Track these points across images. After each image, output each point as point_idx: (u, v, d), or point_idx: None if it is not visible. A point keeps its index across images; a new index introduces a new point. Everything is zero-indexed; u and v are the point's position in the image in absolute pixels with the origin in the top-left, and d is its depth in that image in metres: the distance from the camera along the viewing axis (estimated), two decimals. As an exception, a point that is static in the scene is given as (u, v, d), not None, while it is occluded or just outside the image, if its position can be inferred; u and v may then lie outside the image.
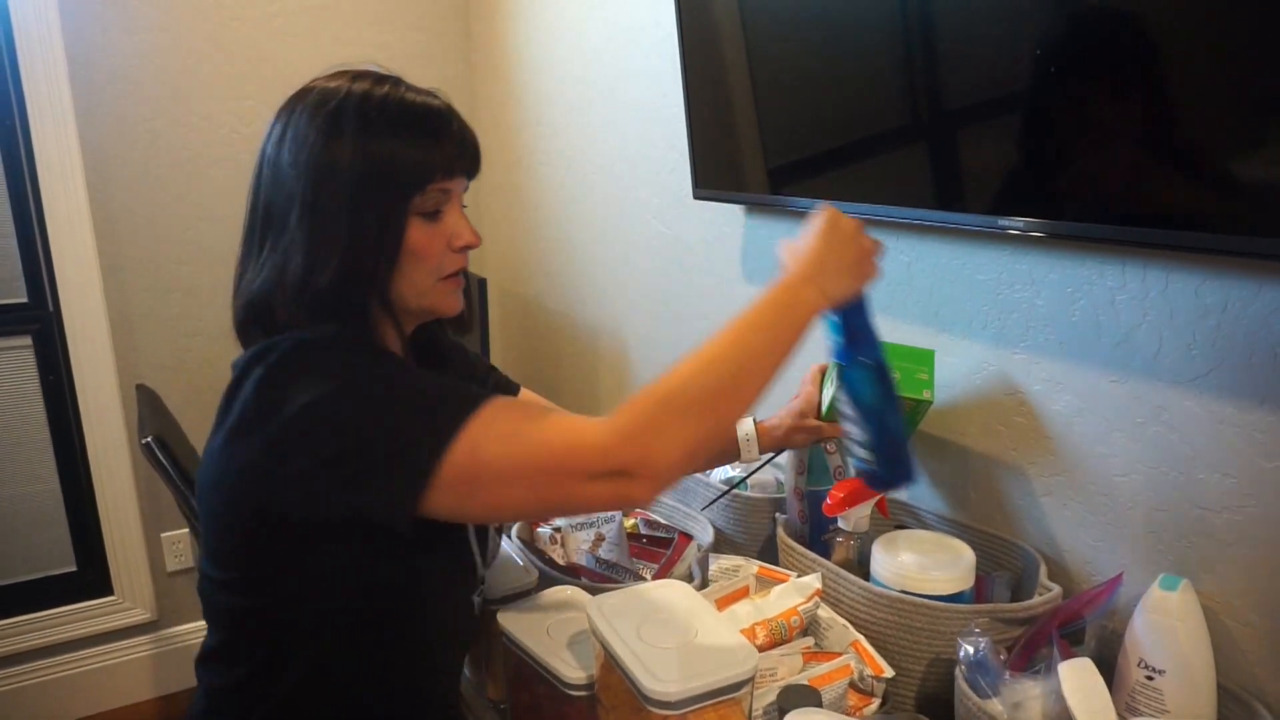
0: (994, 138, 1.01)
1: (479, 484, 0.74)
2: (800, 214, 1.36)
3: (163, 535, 2.19)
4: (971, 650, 0.86)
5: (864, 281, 0.87)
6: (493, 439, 0.74)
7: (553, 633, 0.94)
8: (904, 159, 1.13)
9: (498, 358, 2.44)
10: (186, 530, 2.19)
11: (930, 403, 1.06)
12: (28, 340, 2.00)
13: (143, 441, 1.49)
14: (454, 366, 1.05)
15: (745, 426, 1.15)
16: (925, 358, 1.09)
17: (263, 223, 0.85)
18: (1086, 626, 0.93)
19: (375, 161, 0.81)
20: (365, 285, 0.83)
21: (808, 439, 1.14)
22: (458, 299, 0.91)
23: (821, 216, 0.87)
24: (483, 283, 1.82)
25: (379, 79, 0.85)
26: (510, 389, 1.12)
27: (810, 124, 1.25)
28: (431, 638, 0.91)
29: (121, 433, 2.06)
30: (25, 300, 1.99)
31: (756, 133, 1.34)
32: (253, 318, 0.86)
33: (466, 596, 0.93)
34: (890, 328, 1.24)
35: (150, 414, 1.65)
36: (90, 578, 2.13)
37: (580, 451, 0.72)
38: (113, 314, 2.03)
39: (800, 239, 0.86)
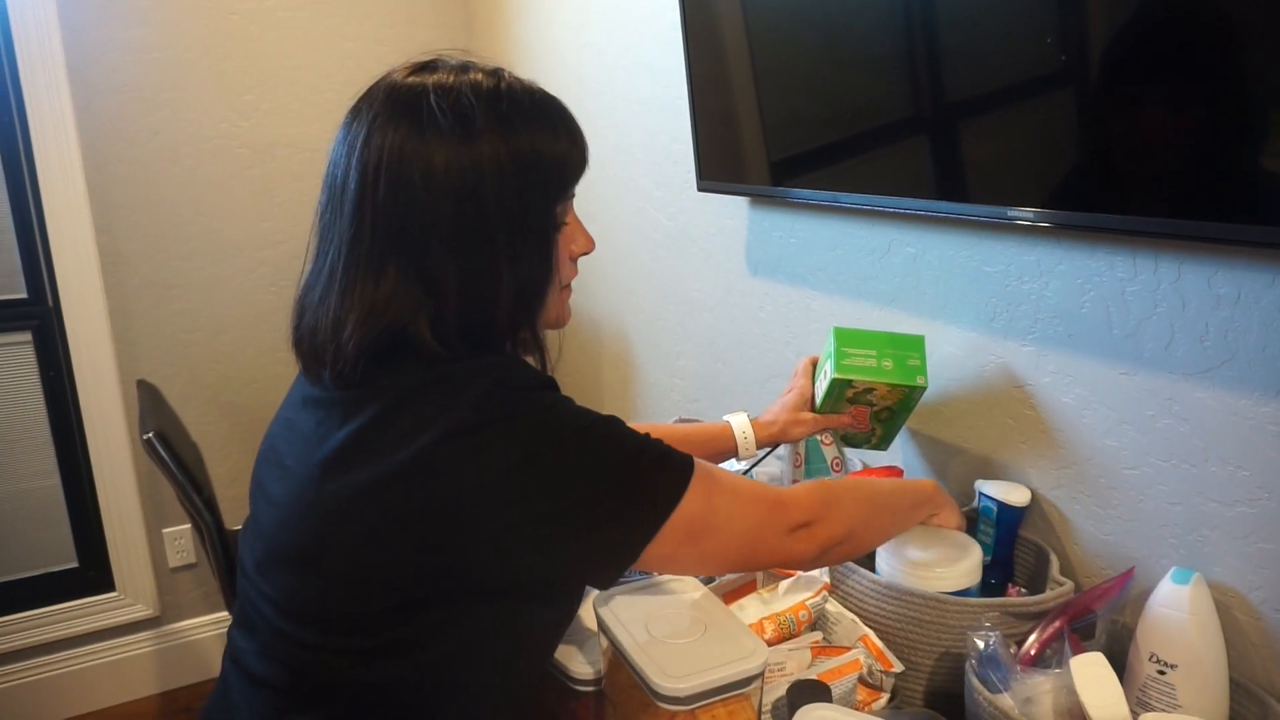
0: (1002, 127, 1.00)
1: (705, 532, 0.76)
2: (803, 205, 1.35)
3: (164, 531, 2.18)
4: (982, 645, 0.86)
5: (957, 525, 1.01)
6: (723, 490, 0.77)
7: (559, 628, 0.93)
8: (910, 149, 1.12)
9: (499, 352, 2.43)
10: (188, 526, 2.18)
11: (924, 388, 1.06)
12: (28, 336, 1.99)
13: (144, 437, 1.48)
14: None
15: (740, 422, 1.14)
16: (916, 343, 1.08)
17: (377, 246, 0.72)
18: (1098, 621, 0.93)
19: (522, 165, 0.73)
20: (536, 315, 0.78)
21: (804, 431, 1.13)
22: (569, 310, 0.87)
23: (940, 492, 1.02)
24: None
25: (488, 70, 0.77)
26: None
27: (813, 115, 1.24)
28: (537, 680, 0.87)
29: (122, 428, 2.05)
30: (25, 296, 1.98)
31: (759, 124, 1.33)
32: (381, 348, 0.73)
33: None
34: (897, 321, 1.23)
35: (151, 409, 1.64)
36: (92, 574, 2.12)
37: (784, 507, 0.82)
38: (113, 309, 2.02)
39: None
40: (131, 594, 2.15)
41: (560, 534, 0.70)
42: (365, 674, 0.73)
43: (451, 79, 0.75)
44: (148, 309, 2.08)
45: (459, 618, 0.73)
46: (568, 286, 0.85)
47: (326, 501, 0.70)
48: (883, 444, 1.16)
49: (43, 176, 1.91)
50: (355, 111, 0.76)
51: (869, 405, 1.11)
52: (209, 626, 2.27)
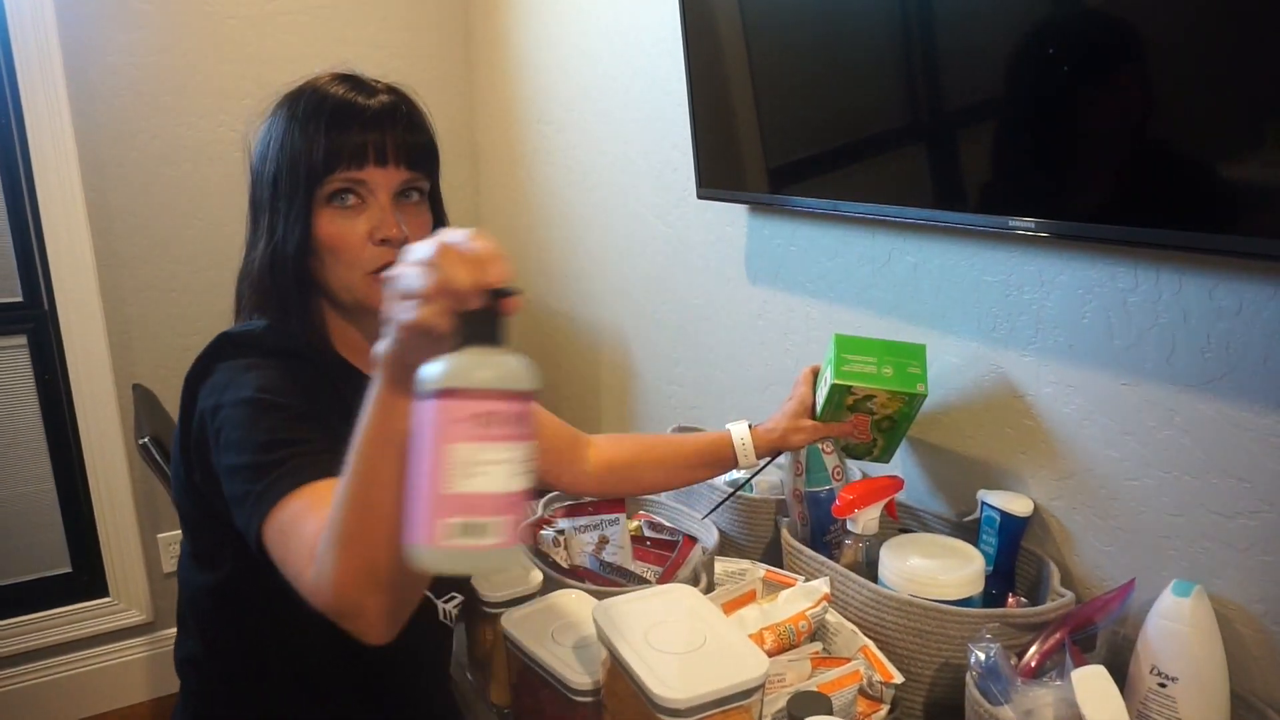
0: (1002, 136, 1.00)
1: (282, 553, 0.75)
2: (803, 214, 1.35)
3: (159, 536, 2.17)
4: (983, 656, 0.85)
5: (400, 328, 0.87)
6: (276, 535, 0.75)
7: (557, 637, 0.93)
8: (910, 158, 1.12)
9: (497, 358, 2.42)
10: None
11: (924, 396, 1.06)
12: (23, 340, 1.98)
13: (139, 442, 1.48)
14: None
15: (740, 431, 1.14)
16: (917, 352, 1.08)
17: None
18: (1099, 633, 0.92)
19: (286, 151, 0.86)
20: (289, 276, 0.88)
21: (804, 439, 1.13)
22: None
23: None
24: (483, 283, 1.81)
25: (340, 78, 0.89)
26: None
27: (811, 122, 1.24)
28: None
29: (118, 433, 2.04)
30: (20, 299, 1.97)
31: (757, 132, 1.33)
32: (237, 307, 0.95)
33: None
34: (896, 330, 1.23)
35: (147, 414, 1.63)
36: (85, 579, 2.11)
37: (304, 588, 0.71)
38: (109, 313, 2.01)
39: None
40: (125, 599, 2.13)
41: (218, 486, 0.81)
42: (193, 577, 0.92)
43: (307, 83, 0.90)
44: (144, 312, 2.07)
45: (215, 539, 0.88)
46: (380, 271, 0.86)
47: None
48: (884, 455, 1.16)
49: (39, 179, 1.89)
50: None
51: (869, 414, 1.10)
52: (203, 632, 2.26)
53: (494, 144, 2.31)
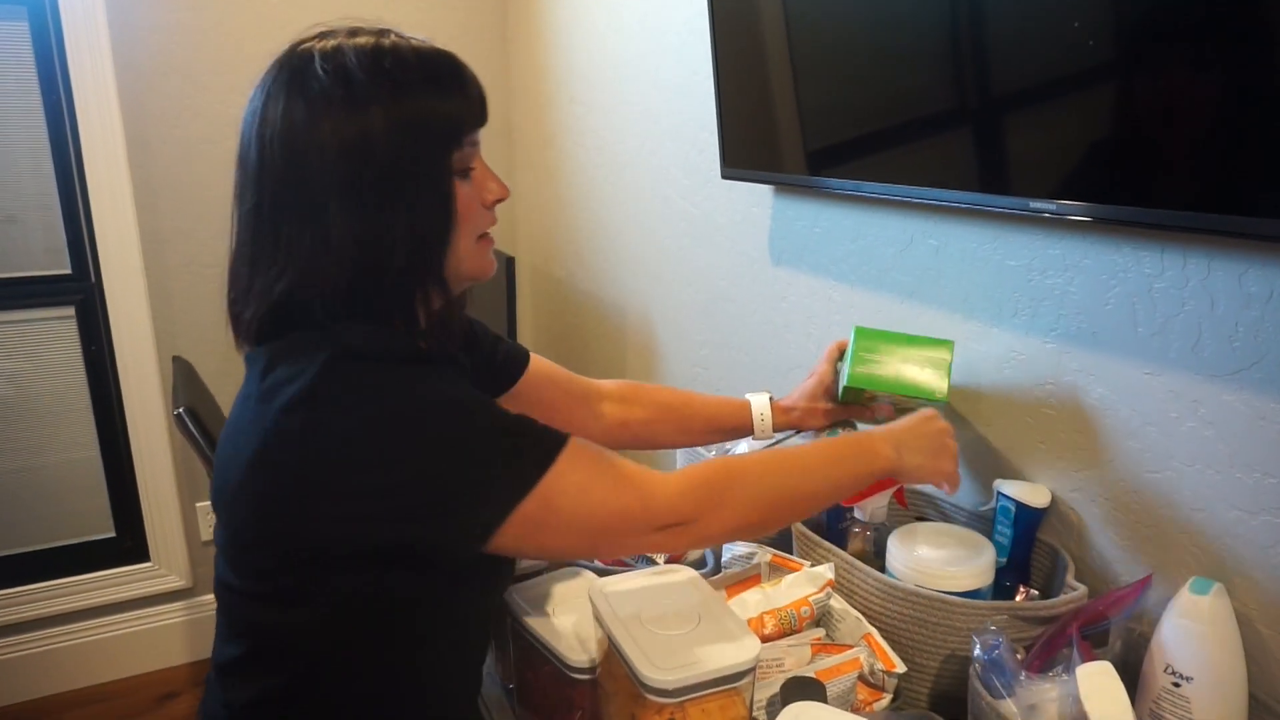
0: (1027, 116, 0.97)
1: (545, 530, 0.74)
2: (828, 195, 1.32)
3: (198, 505, 2.24)
4: (986, 648, 0.83)
5: (937, 471, 0.93)
6: (570, 491, 0.74)
7: (558, 614, 0.93)
8: (935, 140, 1.09)
9: (526, 337, 2.44)
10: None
11: (945, 402, 1.02)
12: (71, 311, 2.05)
13: (175, 412, 1.52)
14: (475, 339, 1.04)
15: (760, 403, 1.13)
16: (943, 348, 1.04)
17: (276, 215, 0.75)
18: (1111, 628, 0.90)
19: (410, 122, 0.73)
20: (436, 265, 0.77)
21: (821, 424, 1.11)
22: (492, 259, 0.85)
23: (923, 413, 0.96)
24: (511, 261, 1.81)
25: (374, 31, 0.77)
26: (520, 358, 1.10)
27: (849, 105, 1.21)
28: (466, 644, 0.87)
29: (159, 404, 2.10)
30: (69, 272, 2.04)
31: (795, 113, 1.31)
32: (279, 319, 0.76)
33: (499, 598, 0.92)
34: (918, 314, 1.20)
35: (184, 385, 1.68)
36: (128, 544, 2.18)
37: (653, 510, 0.77)
38: (152, 287, 2.07)
39: (899, 419, 0.96)
40: (165, 565, 2.21)
41: (397, 509, 0.70)
42: (262, 617, 0.78)
43: (337, 43, 0.76)
44: (186, 287, 2.12)
45: (328, 576, 0.74)
46: (487, 236, 0.83)
47: (223, 459, 0.78)
48: None
49: (88, 156, 1.95)
50: (258, 86, 0.78)
51: (891, 403, 1.08)
52: (240, 599, 2.32)
53: (527, 123, 2.31)
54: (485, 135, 0.83)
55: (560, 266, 2.26)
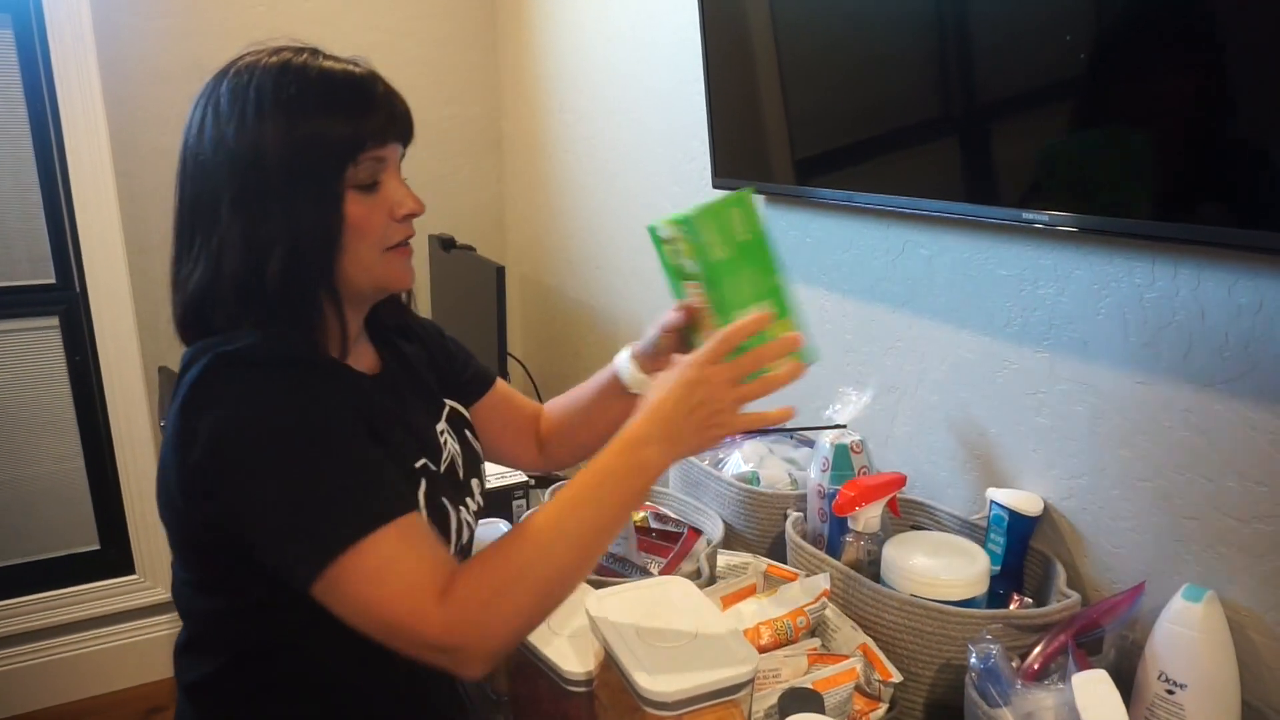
0: (1020, 128, 0.98)
1: (336, 606, 0.72)
2: (820, 205, 1.33)
3: (184, 516, 2.21)
4: (982, 657, 0.84)
5: (715, 440, 0.79)
6: (360, 577, 0.71)
7: (554, 626, 0.93)
8: (928, 150, 1.10)
9: (517, 347, 2.44)
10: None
11: (730, 205, 0.85)
12: (55, 321, 2.03)
13: (161, 423, 1.50)
14: (431, 350, 1.03)
15: (622, 357, 1.00)
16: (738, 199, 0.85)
17: (191, 217, 0.81)
18: (1105, 636, 0.90)
19: (302, 138, 0.78)
20: (314, 274, 0.80)
21: (662, 333, 0.98)
22: (407, 271, 0.86)
23: (685, 368, 0.78)
24: (501, 270, 1.81)
25: (297, 50, 0.82)
26: (483, 382, 1.08)
27: (838, 115, 1.22)
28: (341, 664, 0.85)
29: (144, 415, 2.08)
30: (53, 281, 2.01)
31: (784, 122, 1.31)
32: (192, 318, 0.81)
33: None
34: (909, 323, 1.21)
35: (170, 396, 1.66)
36: (113, 556, 2.16)
37: (416, 627, 0.70)
38: (138, 296, 2.05)
39: (660, 386, 0.79)
40: (151, 577, 2.18)
41: (238, 521, 0.74)
42: (194, 604, 0.84)
43: (251, 61, 0.81)
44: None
45: (231, 567, 0.78)
46: (401, 247, 0.85)
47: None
48: (720, 316, 0.84)
49: (72, 163, 1.93)
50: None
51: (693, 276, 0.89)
52: (227, 611, 2.30)
53: (518, 132, 2.31)
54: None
55: (550, 275, 2.26)
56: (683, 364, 0.79)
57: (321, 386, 0.77)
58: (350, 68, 0.82)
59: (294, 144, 0.77)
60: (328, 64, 0.81)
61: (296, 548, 0.72)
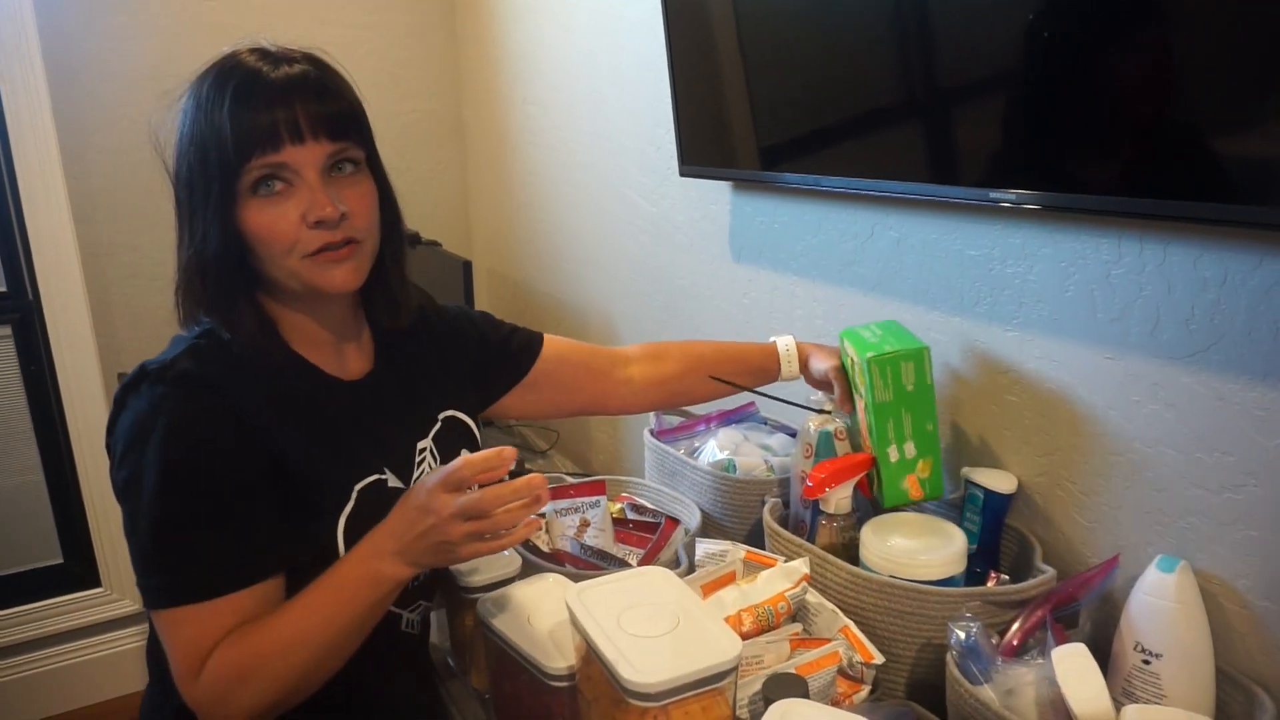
0: (985, 108, 0.98)
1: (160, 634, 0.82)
2: (787, 190, 1.33)
3: (150, 525, 2.17)
4: (962, 635, 0.84)
5: (451, 562, 0.83)
6: (164, 626, 0.80)
7: (534, 622, 0.91)
8: (893, 131, 1.10)
9: (488, 342, 2.41)
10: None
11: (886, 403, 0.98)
12: (8, 330, 1.97)
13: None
14: (451, 349, 1.03)
15: (786, 344, 1.17)
16: (907, 346, 0.98)
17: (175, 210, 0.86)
18: (1082, 609, 0.91)
19: (195, 142, 0.79)
20: (226, 278, 0.82)
21: (829, 367, 1.11)
22: (339, 274, 0.83)
23: (419, 492, 0.79)
24: (467, 265, 1.79)
25: (251, 49, 0.81)
26: (533, 346, 1.12)
27: (802, 99, 1.21)
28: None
29: (105, 423, 2.03)
30: (4, 290, 1.96)
31: (748, 108, 1.31)
32: (178, 307, 0.86)
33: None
34: (880, 306, 1.21)
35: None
36: (77, 569, 2.11)
37: (184, 690, 0.80)
38: (94, 301, 2.00)
39: (399, 504, 0.81)
40: (118, 589, 2.13)
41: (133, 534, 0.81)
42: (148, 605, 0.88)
43: (215, 58, 0.82)
44: (129, 300, 2.06)
45: None
46: (325, 251, 0.82)
47: None
48: (871, 439, 1.03)
49: (20, 167, 1.88)
50: None
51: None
52: (197, 620, 2.26)
53: (481, 123, 2.28)
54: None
55: (518, 269, 2.24)
56: (419, 486, 0.80)
57: (220, 423, 0.80)
58: (256, 69, 0.79)
59: (196, 149, 0.79)
60: (252, 64, 0.79)
61: (138, 578, 0.81)
